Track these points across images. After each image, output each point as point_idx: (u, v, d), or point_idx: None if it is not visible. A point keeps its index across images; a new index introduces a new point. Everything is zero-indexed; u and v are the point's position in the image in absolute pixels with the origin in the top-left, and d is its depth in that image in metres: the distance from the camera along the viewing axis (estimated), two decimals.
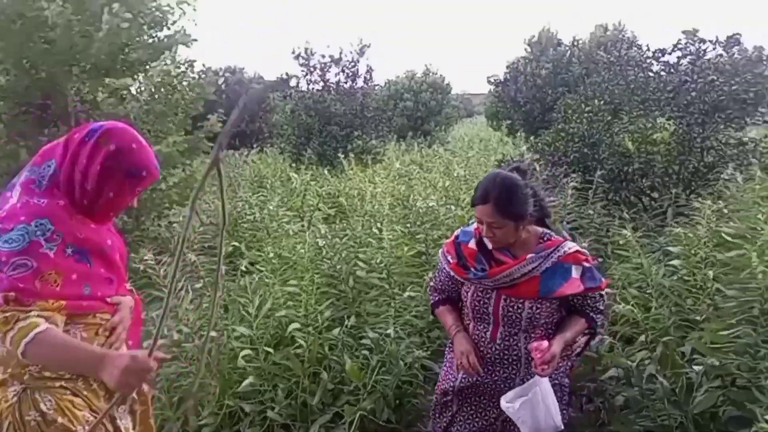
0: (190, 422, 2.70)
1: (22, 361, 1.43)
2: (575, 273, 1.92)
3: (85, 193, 1.54)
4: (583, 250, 2.00)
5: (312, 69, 11.46)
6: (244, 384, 2.73)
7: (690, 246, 3.19)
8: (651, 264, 3.04)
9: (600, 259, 3.61)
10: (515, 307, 1.93)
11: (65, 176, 1.53)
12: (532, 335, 1.95)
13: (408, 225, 4.28)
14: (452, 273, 2.05)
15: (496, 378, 2.01)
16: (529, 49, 15.43)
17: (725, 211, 3.43)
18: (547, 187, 4.93)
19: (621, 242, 3.64)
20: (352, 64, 11.63)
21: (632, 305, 2.75)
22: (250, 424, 2.77)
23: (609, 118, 5.38)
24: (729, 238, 3.04)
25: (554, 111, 8.54)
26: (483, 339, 2.01)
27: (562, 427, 1.93)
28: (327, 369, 2.88)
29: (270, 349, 2.88)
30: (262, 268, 3.64)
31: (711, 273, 2.84)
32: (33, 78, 4.66)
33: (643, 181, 5.08)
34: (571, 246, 1.95)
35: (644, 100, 5.27)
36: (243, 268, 3.46)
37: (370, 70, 11.83)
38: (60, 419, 1.50)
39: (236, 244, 4.75)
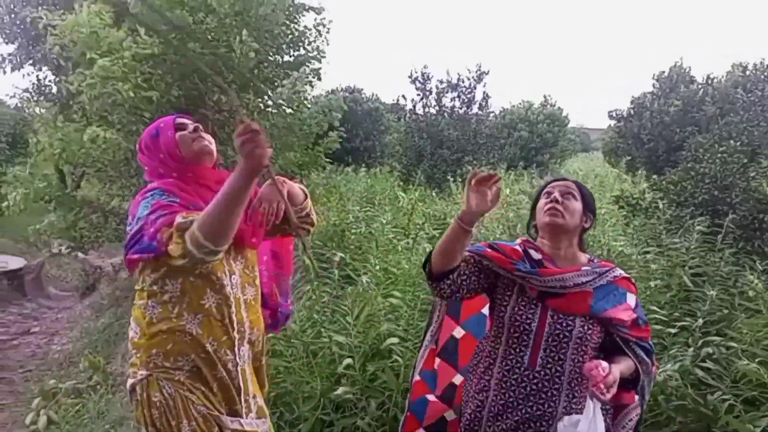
0: (285, 416, 2.80)
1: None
2: (630, 300, 1.78)
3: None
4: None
5: (428, 93, 11.65)
6: (338, 391, 2.79)
7: None
8: None
9: (726, 311, 3.32)
10: (564, 325, 1.71)
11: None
12: (578, 364, 1.72)
13: None
14: (494, 264, 1.79)
15: (527, 412, 1.72)
16: (657, 85, 14.66)
17: None
18: (669, 228, 4.64)
19: (750, 294, 3.34)
20: (469, 90, 11.68)
21: (758, 364, 2.50)
22: (341, 430, 2.83)
23: (745, 160, 4.97)
24: None
25: (682, 150, 8.04)
26: (518, 366, 1.75)
27: None
28: None
29: (367, 361, 2.92)
30: (367, 279, 3.72)
31: None
32: (183, 89, 5.13)
33: None
34: (622, 272, 1.82)
35: None
36: (349, 274, 3.55)
37: (486, 97, 11.83)
38: (175, 409, 1.73)
39: (342, 254, 4.89)
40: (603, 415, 1.71)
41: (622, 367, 1.70)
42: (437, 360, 2.22)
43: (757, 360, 2.55)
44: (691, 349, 2.90)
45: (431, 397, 2.20)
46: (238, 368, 1.83)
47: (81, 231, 5.39)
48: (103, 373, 4.05)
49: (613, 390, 1.59)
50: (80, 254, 7.38)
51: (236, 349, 1.82)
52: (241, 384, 1.84)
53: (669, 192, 5.18)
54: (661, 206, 4.93)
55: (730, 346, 2.89)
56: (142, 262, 1.72)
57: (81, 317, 6.09)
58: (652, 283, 3.35)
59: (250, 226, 1.84)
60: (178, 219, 1.63)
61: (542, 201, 1.85)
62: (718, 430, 2.48)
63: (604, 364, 1.61)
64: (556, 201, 1.79)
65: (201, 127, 1.88)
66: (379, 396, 2.87)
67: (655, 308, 3.17)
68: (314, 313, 3.39)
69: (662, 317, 3.12)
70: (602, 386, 1.57)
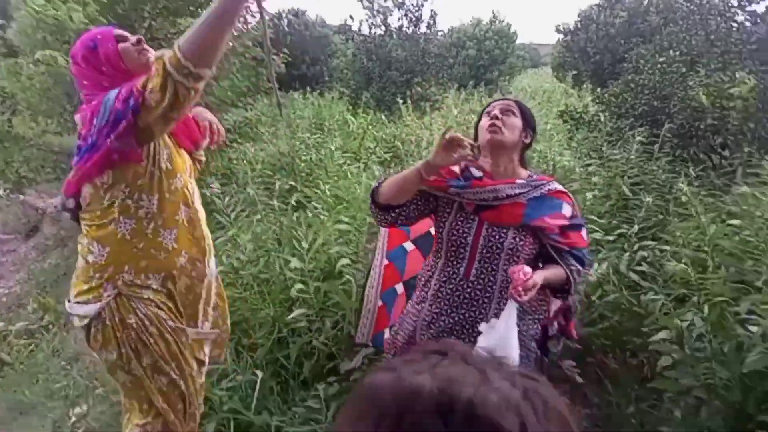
0: (242, 342, 2.86)
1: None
2: (565, 210, 1.84)
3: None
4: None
5: (376, 13, 11.26)
6: (294, 314, 2.86)
7: (755, 206, 3.03)
8: (710, 223, 2.91)
9: (661, 216, 3.49)
10: (497, 237, 1.79)
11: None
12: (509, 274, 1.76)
13: None
14: (430, 187, 1.84)
15: (458, 318, 1.84)
16: None
17: None
18: (610, 140, 4.77)
19: (683, 199, 3.52)
20: (416, 8, 11.34)
21: (686, 264, 2.67)
22: (299, 350, 2.91)
23: (684, 70, 5.06)
24: None
25: (625, 62, 8.12)
26: (455, 276, 1.84)
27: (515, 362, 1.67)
28: None
29: (320, 284, 2.98)
30: (317, 205, 3.73)
31: None
32: (114, 15, 4.80)
33: (715, 138, 4.81)
34: (559, 186, 1.89)
35: (724, 52, 4.91)
36: (293, 203, 3.55)
37: (433, 15, 11.53)
38: (151, 327, 1.75)
39: (293, 183, 4.85)
40: (534, 322, 1.85)
41: (547, 273, 1.77)
42: (385, 261, 2.36)
43: (683, 260, 2.71)
44: (627, 254, 3.07)
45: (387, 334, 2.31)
46: (206, 280, 1.89)
47: (18, 171, 5.15)
48: (54, 313, 4.00)
49: (532, 293, 1.66)
50: (20, 196, 7.08)
51: (206, 260, 1.89)
52: (204, 294, 1.90)
53: (610, 104, 5.27)
54: (602, 119, 5.04)
55: (663, 249, 3.06)
56: (113, 170, 1.67)
57: (27, 259, 5.93)
58: (589, 195, 3.47)
59: (203, 132, 1.94)
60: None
61: (483, 120, 1.89)
62: (648, 327, 2.67)
63: (527, 268, 1.68)
64: (496, 117, 1.83)
65: (143, 39, 1.79)
66: (332, 316, 2.95)
67: (594, 218, 3.30)
68: (267, 242, 3.40)
69: (601, 227, 3.26)
70: (520, 288, 1.64)
